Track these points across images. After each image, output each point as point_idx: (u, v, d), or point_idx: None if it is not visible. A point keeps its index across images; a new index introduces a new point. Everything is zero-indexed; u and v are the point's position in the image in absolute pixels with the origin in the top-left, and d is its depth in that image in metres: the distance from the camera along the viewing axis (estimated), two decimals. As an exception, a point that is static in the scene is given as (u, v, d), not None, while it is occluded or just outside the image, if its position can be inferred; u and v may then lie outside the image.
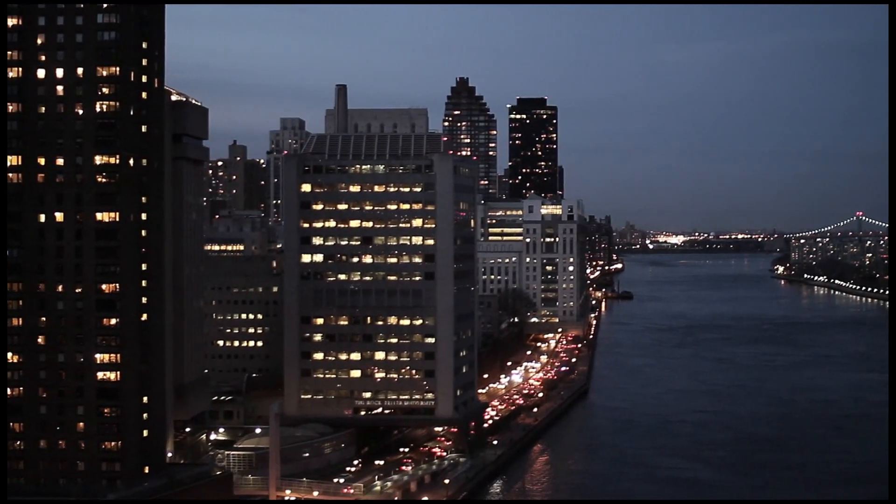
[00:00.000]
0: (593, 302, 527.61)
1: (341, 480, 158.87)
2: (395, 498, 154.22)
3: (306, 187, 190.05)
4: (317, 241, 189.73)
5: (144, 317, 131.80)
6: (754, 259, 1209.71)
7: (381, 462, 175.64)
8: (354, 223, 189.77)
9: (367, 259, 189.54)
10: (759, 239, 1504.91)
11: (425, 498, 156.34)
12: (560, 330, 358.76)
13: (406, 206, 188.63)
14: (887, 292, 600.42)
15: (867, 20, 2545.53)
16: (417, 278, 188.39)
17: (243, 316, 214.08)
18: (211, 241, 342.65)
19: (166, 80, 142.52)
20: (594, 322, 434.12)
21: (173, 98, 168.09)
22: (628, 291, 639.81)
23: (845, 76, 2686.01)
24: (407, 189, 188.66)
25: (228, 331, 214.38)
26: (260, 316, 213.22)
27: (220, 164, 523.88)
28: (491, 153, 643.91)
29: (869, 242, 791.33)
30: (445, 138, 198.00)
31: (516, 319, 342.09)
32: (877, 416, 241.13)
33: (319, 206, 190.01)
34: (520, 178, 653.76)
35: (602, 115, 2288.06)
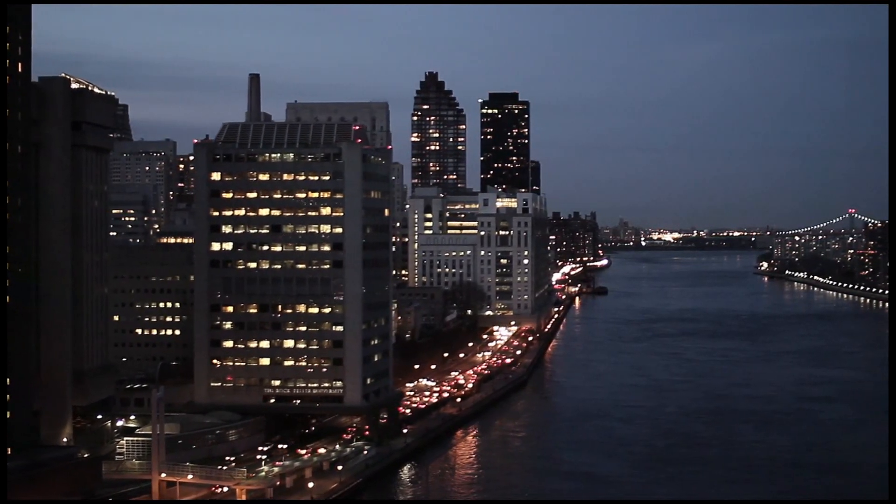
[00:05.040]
0: (563, 296, 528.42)
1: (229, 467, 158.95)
2: (277, 483, 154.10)
3: (216, 176, 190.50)
4: (226, 229, 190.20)
5: (7, 299, 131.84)
6: (746, 256, 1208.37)
7: (285, 448, 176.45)
8: (264, 211, 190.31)
9: (277, 247, 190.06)
10: (754, 236, 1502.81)
11: (311, 485, 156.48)
12: (513, 323, 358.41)
13: (315, 195, 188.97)
14: (865, 288, 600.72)
15: (859, 18, 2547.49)
16: (326, 266, 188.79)
17: (161, 304, 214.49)
18: (168, 235, 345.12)
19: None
20: (556, 316, 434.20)
21: (73, 86, 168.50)
22: (603, 287, 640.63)
23: (838, 73, 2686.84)
24: (315, 177, 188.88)
25: (147, 319, 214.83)
26: (178, 304, 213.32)
27: (191, 158, 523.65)
28: (460, 147, 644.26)
29: (851, 239, 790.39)
30: (357, 127, 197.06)
31: (469, 312, 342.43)
32: (809, 410, 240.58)
33: (229, 195, 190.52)
34: (491, 172, 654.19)
35: (598, 112, 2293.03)
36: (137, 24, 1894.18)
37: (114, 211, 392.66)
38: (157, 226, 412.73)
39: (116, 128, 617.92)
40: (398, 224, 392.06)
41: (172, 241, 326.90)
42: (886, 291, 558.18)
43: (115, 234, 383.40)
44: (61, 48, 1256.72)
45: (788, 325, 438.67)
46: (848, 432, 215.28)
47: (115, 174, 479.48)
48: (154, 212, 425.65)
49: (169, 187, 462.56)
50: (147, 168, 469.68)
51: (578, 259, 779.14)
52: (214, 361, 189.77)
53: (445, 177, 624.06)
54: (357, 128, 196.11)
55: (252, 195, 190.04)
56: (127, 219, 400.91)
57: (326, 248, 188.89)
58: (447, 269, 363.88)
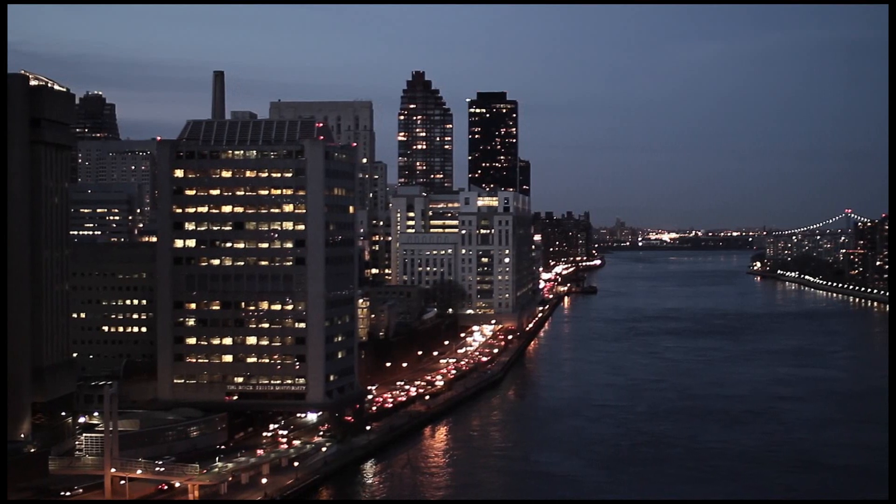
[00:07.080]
0: (550, 296, 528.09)
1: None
2: (230, 479, 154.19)
3: (179, 173, 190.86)
4: (189, 226, 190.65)
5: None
6: (743, 256, 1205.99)
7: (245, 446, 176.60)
8: (226, 208, 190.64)
9: (240, 244, 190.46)
10: (752, 236, 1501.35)
11: (264, 481, 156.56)
12: (493, 322, 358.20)
13: (277, 192, 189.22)
14: (854, 287, 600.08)
15: (859, 18, 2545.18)
16: (288, 263, 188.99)
17: (128, 302, 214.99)
18: (150, 233, 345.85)
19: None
20: (540, 315, 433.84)
21: (32, 83, 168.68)
22: (593, 286, 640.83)
23: (838, 73, 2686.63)
24: (278, 174, 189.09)
25: (113, 316, 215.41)
26: (144, 302, 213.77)
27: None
28: (446, 147, 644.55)
29: (843, 238, 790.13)
30: (320, 124, 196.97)
31: (450, 310, 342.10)
32: (780, 409, 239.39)
33: (192, 192, 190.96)
34: (479, 172, 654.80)
35: (595, 112, 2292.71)
36: (130, 24, 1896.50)
37: (98, 210, 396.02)
38: (141, 224, 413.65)
39: (104, 126, 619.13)
40: (381, 223, 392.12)
41: (155, 239, 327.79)
42: (876, 290, 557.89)
43: (99, 232, 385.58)
44: (59, 49, 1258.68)
45: (773, 324, 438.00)
46: (816, 431, 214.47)
47: (101, 173, 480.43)
48: (139, 210, 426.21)
49: (154, 186, 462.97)
50: (133, 167, 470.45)
51: (571, 259, 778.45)
52: (177, 358, 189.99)
53: (432, 176, 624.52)
54: (320, 125, 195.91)
55: (215, 192, 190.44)
56: (112, 218, 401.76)
57: (289, 244, 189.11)
58: (428, 268, 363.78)
